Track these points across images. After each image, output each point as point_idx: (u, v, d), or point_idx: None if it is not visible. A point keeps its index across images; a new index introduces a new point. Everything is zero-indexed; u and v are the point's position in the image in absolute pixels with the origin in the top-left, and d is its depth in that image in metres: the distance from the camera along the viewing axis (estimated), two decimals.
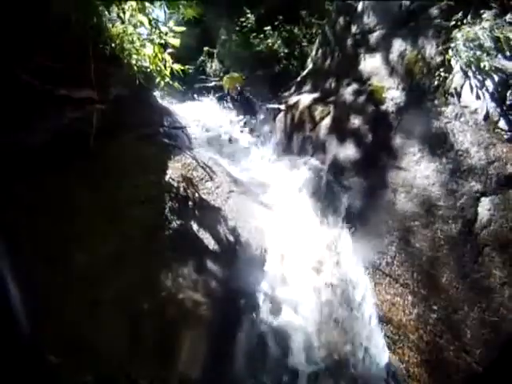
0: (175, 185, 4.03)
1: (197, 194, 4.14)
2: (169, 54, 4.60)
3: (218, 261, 3.64)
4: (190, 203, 3.99)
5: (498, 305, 3.46)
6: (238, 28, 8.09)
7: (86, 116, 3.78)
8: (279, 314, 3.64)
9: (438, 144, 4.17)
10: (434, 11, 4.85)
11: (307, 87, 6.06)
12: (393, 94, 4.70)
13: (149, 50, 4.43)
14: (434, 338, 3.62)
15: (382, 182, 4.36)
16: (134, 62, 4.41)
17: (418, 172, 4.18)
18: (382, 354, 3.69)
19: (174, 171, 4.19)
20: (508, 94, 4.09)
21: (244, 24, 8.08)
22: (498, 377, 3.36)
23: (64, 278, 2.94)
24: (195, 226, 3.79)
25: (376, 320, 3.86)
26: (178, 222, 3.69)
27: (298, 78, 6.52)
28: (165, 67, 4.61)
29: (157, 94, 5.76)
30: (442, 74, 4.52)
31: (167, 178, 4.06)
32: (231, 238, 3.95)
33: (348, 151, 4.75)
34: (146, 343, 2.97)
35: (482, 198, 3.80)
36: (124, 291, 3.05)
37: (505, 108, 4.08)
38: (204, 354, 3.14)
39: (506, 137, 3.97)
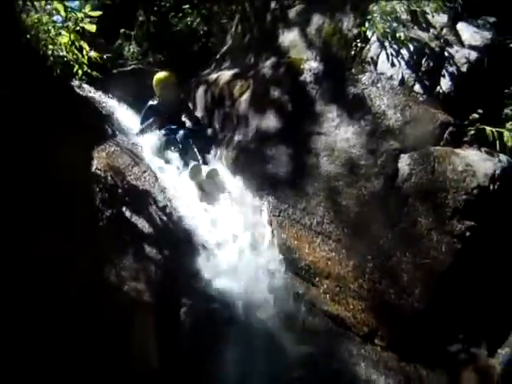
0: (102, 175, 3.93)
1: (125, 181, 4.09)
2: (85, 40, 4.47)
3: (154, 243, 3.63)
4: (120, 191, 3.94)
5: (427, 248, 3.75)
6: (156, 8, 7.86)
7: None
8: (218, 278, 3.71)
9: (356, 109, 4.36)
10: None
11: (227, 64, 6.05)
12: (311, 65, 4.80)
13: (65, 38, 4.27)
14: (374, 285, 3.84)
15: (304, 148, 4.50)
16: (50, 52, 4.22)
17: (338, 136, 4.36)
18: None
19: (99, 161, 4.09)
20: (423, 61, 4.37)
21: (162, 3, 7.88)
22: (439, 312, 3.65)
23: None
24: (128, 213, 3.74)
25: None
26: (111, 211, 3.61)
27: (218, 56, 6.48)
28: (82, 55, 4.48)
29: (76, 83, 5.49)
30: (359, 44, 4.69)
31: (93, 168, 3.95)
32: (164, 218, 3.99)
33: (270, 122, 4.83)
34: None
35: (401, 155, 4.06)
36: None
37: (420, 74, 4.35)
38: (155, 339, 3.15)
39: (421, 99, 4.24)
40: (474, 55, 4.28)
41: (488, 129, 3.97)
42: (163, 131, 5.35)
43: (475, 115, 4.04)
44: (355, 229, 4.02)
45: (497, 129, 3.96)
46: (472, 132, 4.04)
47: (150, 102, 5.63)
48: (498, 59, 4.30)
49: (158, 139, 5.28)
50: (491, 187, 3.73)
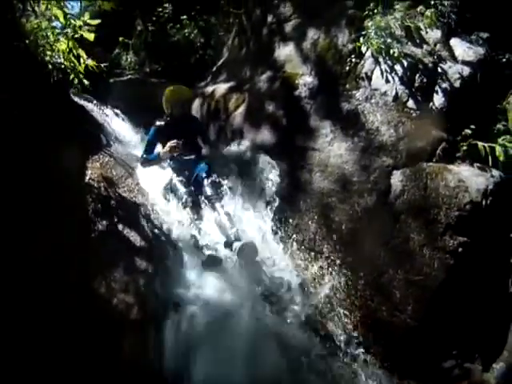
0: (96, 185, 3.94)
1: (118, 193, 4.09)
2: (83, 48, 4.48)
3: (144, 257, 3.61)
4: (113, 202, 3.95)
5: (420, 265, 3.78)
6: (154, 18, 7.89)
7: None
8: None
9: (350, 125, 4.40)
10: (349, 2, 5.07)
11: (223, 76, 6.05)
12: (306, 80, 4.84)
13: (63, 45, 4.28)
14: (366, 302, 3.88)
15: (298, 164, 4.54)
16: (48, 58, 4.24)
17: (331, 152, 4.40)
18: None
19: (93, 171, 4.10)
20: (417, 77, 4.39)
21: (161, 14, 7.90)
22: (432, 328, 3.67)
23: None
24: (120, 226, 3.73)
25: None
26: (104, 223, 3.62)
27: (214, 68, 6.50)
28: (79, 63, 4.47)
29: (73, 90, 5.49)
30: (354, 60, 4.73)
31: (87, 178, 3.96)
32: (156, 232, 3.98)
33: (264, 136, 4.85)
34: None
35: (394, 171, 4.10)
36: None
37: (413, 89, 4.37)
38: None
39: (414, 115, 4.26)
40: (467, 71, 4.34)
41: (480, 144, 4.00)
42: (172, 163, 4.65)
43: (468, 131, 4.08)
44: (347, 245, 4.04)
45: (489, 144, 3.99)
46: (464, 148, 4.09)
47: (157, 123, 4.74)
48: (491, 74, 4.37)
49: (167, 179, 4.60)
50: (484, 202, 3.77)
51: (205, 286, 3.67)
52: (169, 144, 4.41)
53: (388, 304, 3.78)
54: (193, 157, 4.62)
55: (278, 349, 3.38)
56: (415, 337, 3.67)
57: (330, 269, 4.02)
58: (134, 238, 3.72)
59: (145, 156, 4.60)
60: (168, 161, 4.65)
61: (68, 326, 2.90)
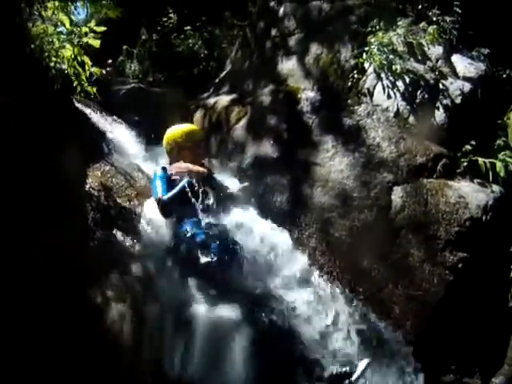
0: (96, 194, 3.94)
1: (118, 203, 4.06)
2: (88, 55, 4.42)
3: (142, 266, 3.55)
4: (112, 212, 3.92)
5: (420, 280, 3.78)
6: (159, 27, 7.91)
7: None
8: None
9: (351, 140, 4.41)
10: (352, 17, 5.11)
11: (225, 88, 6.06)
12: (308, 95, 4.84)
13: (68, 51, 4.24)
14: (365, 317, 3.80)
15: (299, 178, 4.50)
16: (52, 64, 4.18)
17: (332, 167, 4.38)
18: None
19: (93, 179, 4.11)
20: (418, 93, 4.45)
21: (166, 24, 7.91)
22: (432, 343, 3.68)
23: None
24: (119, 235, 3.70)
25: None
26: (102, 232, 3.59)
27: (217, 80, 6.52)
28: (84, 70, 4.44)
29: (76, 98, 5.49)
30: (356, 75, 4.79)
31: (87, 187, 3.95)
32: (155, 242, 3.86)
33: (266, 150, 4.82)
34: None
35: (395, 187, 4.11)
36: None
37: (415, 106, 4.43)
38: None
39: (415, 131, 4.31)
40: (467, 87, 4.38)
41: (481, 160, 4.03)
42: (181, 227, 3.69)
43: (468, 147, 4.13)
44: (347, 261, 4.03)
45: (489, 160, 4.03)
46: (465, 163, 4.12)
47: (160, 170, 3.97)
48: (491, 90, 4.42)
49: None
50: (484, 218, 3.80)
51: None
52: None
53: (387, 319, 3.76)
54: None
55: None
56: (414, 352, 3.65)
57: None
58: (133, 247, 3.67)
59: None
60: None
61: (61, 333, 2.84)
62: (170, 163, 4.28)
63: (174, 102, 6.39)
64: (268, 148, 4.79)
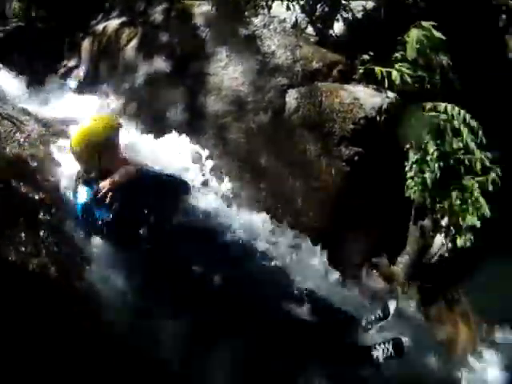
0: None
1: (7, 149, 3.62)
2: None
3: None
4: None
5: (318, 172, 3.86)
6: None
7: None
8: None
9: (246, 49, 4.27)
10: None
11: (116, 13, 5.66)
12: (203, 9, 4.64)
13: None
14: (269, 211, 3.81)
15: (192, 89, 4.35)
16: None
17: (225, 75, 4.25)
18: None
19: None
20: (318, 7, 4.46)
21: None
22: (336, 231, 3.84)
23: None
24: (14, 183, 3.24)
25: None
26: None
27: (107, 4, 6.09)
28: None
29: None
30: None
31: None
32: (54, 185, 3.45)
33: (159, 66, 4.60)
34: None
35: (289, 90, 4.04)
36: None
37: (314, 18, 4.45)
38: None
39: (312, 40, 4.34)
40: (370, 5, 4.45)
41: (377, 68, 4.00)
42: None
43: (366, 56, 4.11)
44: (246, 161, 4.01)
45: (386, 69, 3.99)
46: (361, 71, 4.09)
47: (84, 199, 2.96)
48: (396, 12, 4.44)
49: None
50: (378, 118, 3.82)
51: None
52: None
53: (291, 211, 3.84)
54: None
55: None
56: (321, 239, 3.66)
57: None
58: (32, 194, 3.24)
59: None
60: None
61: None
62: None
63: (59, 36, 5.93)
64: (160, 64, 4.57)
